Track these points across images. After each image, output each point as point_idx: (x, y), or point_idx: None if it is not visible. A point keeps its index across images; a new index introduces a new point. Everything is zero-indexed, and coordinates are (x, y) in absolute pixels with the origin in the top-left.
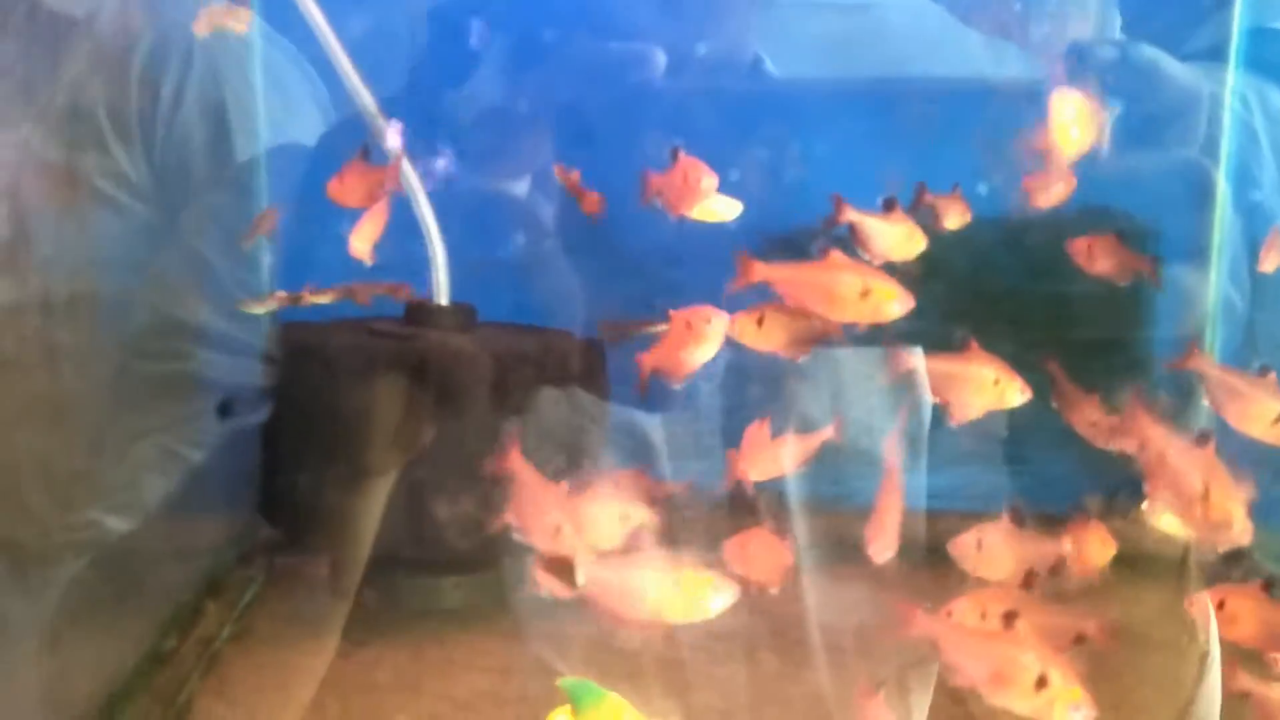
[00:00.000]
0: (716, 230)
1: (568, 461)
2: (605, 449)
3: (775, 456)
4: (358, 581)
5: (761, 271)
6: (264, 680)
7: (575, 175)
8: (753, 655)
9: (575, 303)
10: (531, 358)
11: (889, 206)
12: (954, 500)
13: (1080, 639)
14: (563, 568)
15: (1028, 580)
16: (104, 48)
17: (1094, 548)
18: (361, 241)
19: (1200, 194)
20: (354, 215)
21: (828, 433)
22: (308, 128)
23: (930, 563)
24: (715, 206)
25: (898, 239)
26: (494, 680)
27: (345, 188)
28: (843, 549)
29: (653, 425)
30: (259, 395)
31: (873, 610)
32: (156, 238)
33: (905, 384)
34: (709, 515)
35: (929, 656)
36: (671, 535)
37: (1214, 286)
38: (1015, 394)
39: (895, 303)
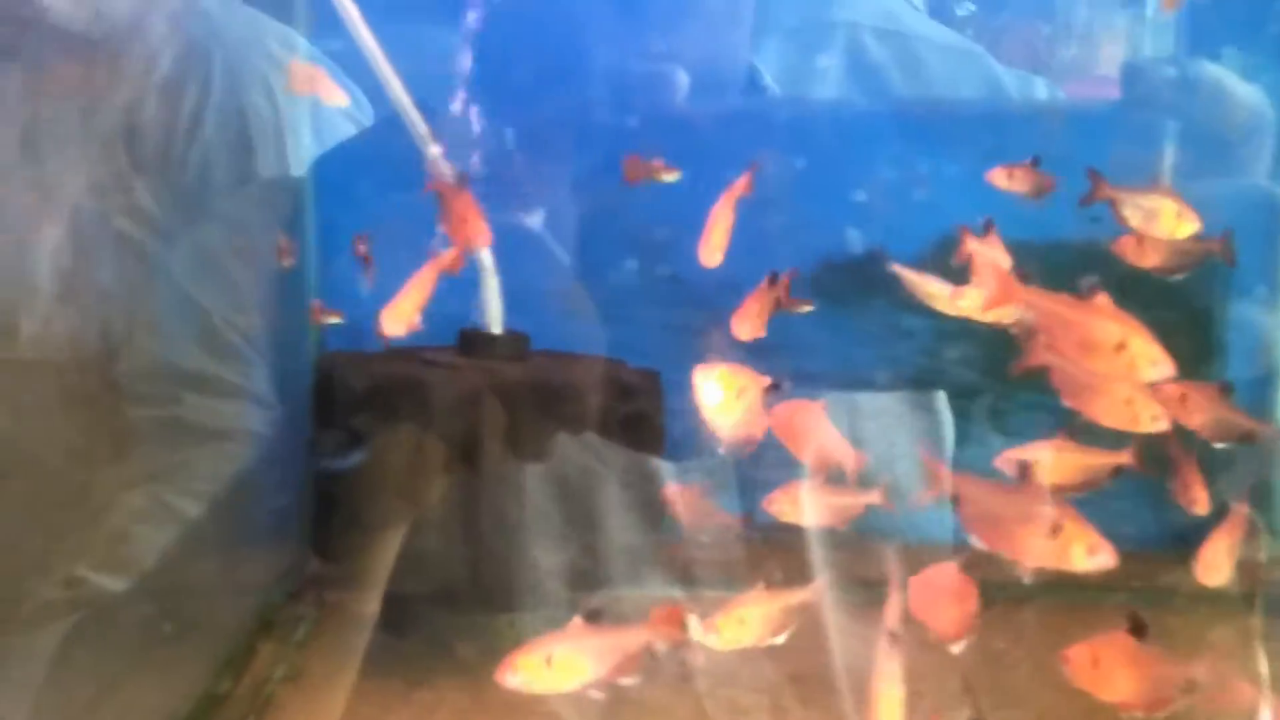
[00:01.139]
0: (769, 255)
1: (625, 490)
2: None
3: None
4: (413, 619)
5: (1021, 294)
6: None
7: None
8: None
9: (629, 330)
10: (587, 387)
11: (987, 229)
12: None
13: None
14: (675, 617)
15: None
16: (119, 71)
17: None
18: (394, 323)
19: (1271, 222)
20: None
21: (875, 498)
22: (349, 154)
23: None
24: None
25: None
26: None
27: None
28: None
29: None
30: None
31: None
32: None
33: (927, 423)
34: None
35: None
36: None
37: None
38: (1149, 366)
39: (1153, 366)
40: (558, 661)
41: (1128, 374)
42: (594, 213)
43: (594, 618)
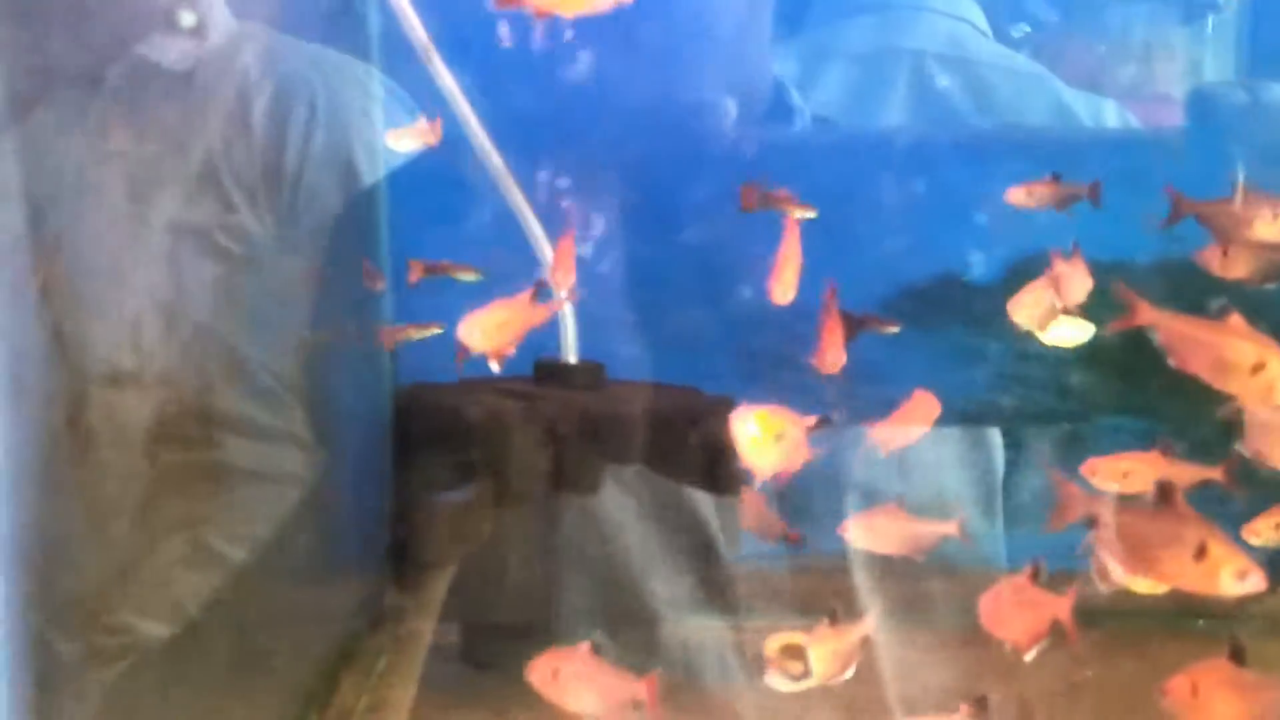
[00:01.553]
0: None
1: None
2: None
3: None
4: (492, 650)
5: (1149, 315)
6: None
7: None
8: None
9: (703, 358)
10: (663, 416)
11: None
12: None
13: None
14: (796, 650)
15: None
16: (228, 106)
17: None
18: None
19: None
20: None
21: (951, 529)
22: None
23: None
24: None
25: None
26: None
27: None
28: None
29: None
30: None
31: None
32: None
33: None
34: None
35: None
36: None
37: None
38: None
39: None
40: None
41: (1265, 396)
42: (664, 240)
43: None
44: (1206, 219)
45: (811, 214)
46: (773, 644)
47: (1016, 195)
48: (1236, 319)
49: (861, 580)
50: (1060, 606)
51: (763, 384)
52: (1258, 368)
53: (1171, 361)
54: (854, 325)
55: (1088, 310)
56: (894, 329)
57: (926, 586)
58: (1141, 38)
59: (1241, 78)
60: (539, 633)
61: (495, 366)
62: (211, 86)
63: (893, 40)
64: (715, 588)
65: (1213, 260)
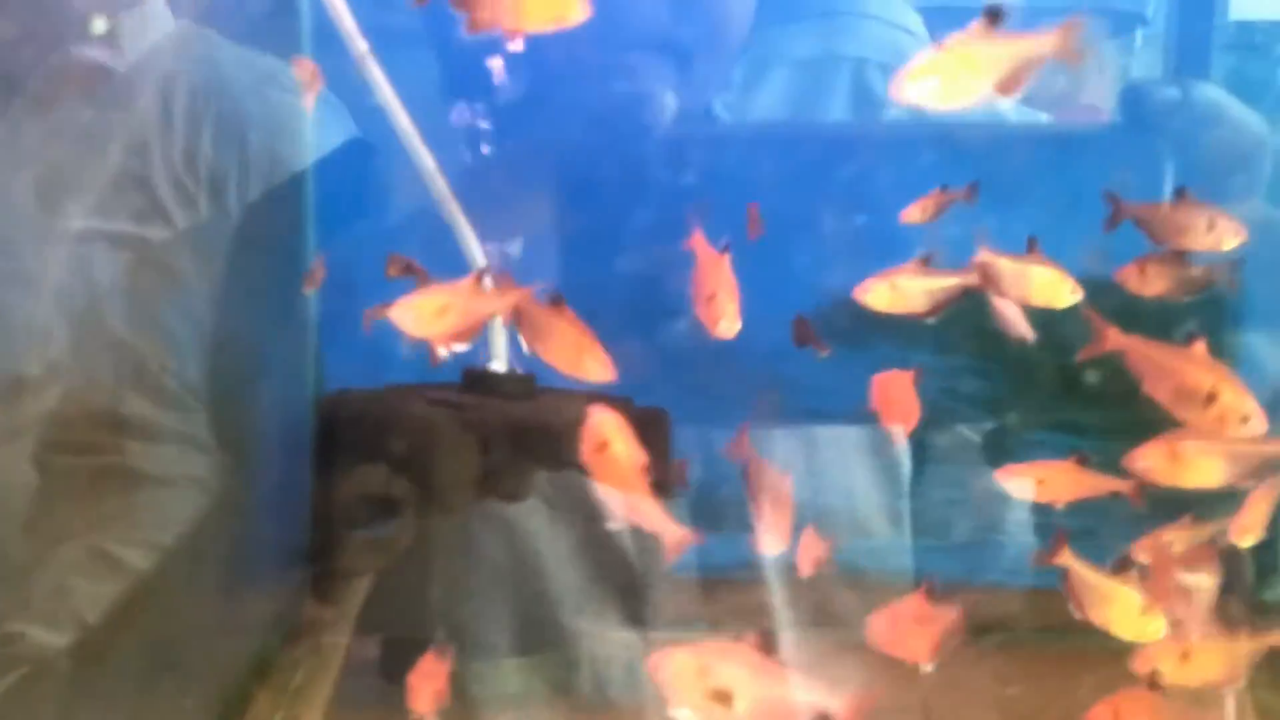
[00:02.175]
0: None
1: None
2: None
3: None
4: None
5: (1117, 340)
6: None
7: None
8: None
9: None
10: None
11: (1030, 248)
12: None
13: None
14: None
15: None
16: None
17: None
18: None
19: (1273, 250)
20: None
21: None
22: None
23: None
24: None
25: (1039, 284)
26: None
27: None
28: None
29: None
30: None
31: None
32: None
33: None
34: None
35: None
36: None
37: None
38: (1239, 421)
39: (1244, 420)
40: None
41: (1216, 428)
42: (598, 251)
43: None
44: (1143, 223)
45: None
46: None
47: (911, 214)
48: (1199, 347)
49: (774, 590)
50: (949, 620)
51: (695, 395)
52: (1210, 399)
53: (1145, 389)
54: (802, 330)
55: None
56: (825, 352)
57: (835, 596)
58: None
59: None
60: (464, 646)
61: (444, 352)
62: (135, 91)
63: (834, 47)
64: (642, 600)
65: (1130, 277)
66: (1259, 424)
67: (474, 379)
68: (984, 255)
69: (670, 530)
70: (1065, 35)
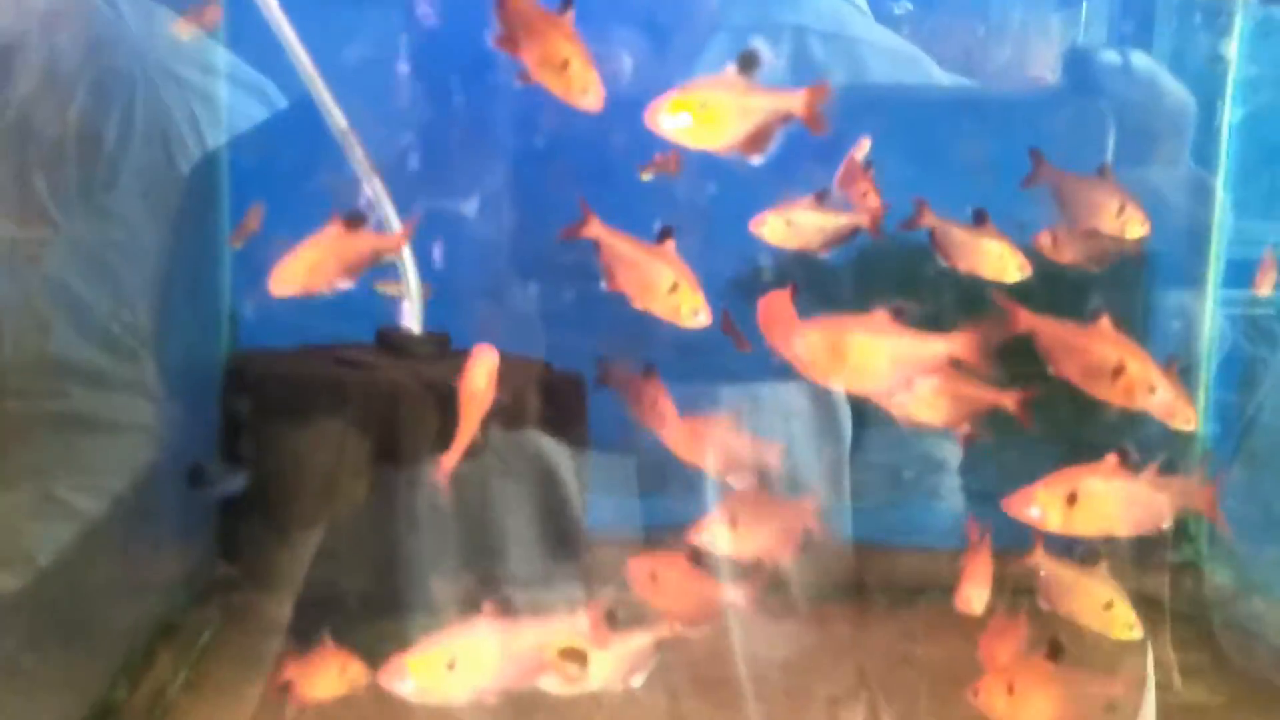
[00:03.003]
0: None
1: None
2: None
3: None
4: (324, 625)
5: (1028, 320)
6: None
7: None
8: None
9: (555, 331)
10: (509, 390)
11: (979, 219)
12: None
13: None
14: (578, 654)
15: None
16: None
17: None
18: (281, 283)
19: (1196, 214)
20: None
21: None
22: (270, 155)
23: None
24: None
25: (987, 256)
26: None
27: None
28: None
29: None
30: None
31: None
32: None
33: (826, 415)
34: None
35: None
36: None
37: (1209, 314)
38: (1145, 392)
39: (1152, 391)
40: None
41: (1126, 399)
42: (524, 211)
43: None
44: (1059, 192)
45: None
46: (555, 646)
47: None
48: (1105, 323)
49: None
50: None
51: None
52: (1117, 372)
53: (1051, 369)
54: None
55: None
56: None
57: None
58: (1019, 20)
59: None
60: (373, 605)
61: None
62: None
63: (775, 15)
64: (556, 559)
65: (1044, 245)
66: (1165, 394)
67: (387, 339)
68: (935, 221)
69: None
70: (811, 99)
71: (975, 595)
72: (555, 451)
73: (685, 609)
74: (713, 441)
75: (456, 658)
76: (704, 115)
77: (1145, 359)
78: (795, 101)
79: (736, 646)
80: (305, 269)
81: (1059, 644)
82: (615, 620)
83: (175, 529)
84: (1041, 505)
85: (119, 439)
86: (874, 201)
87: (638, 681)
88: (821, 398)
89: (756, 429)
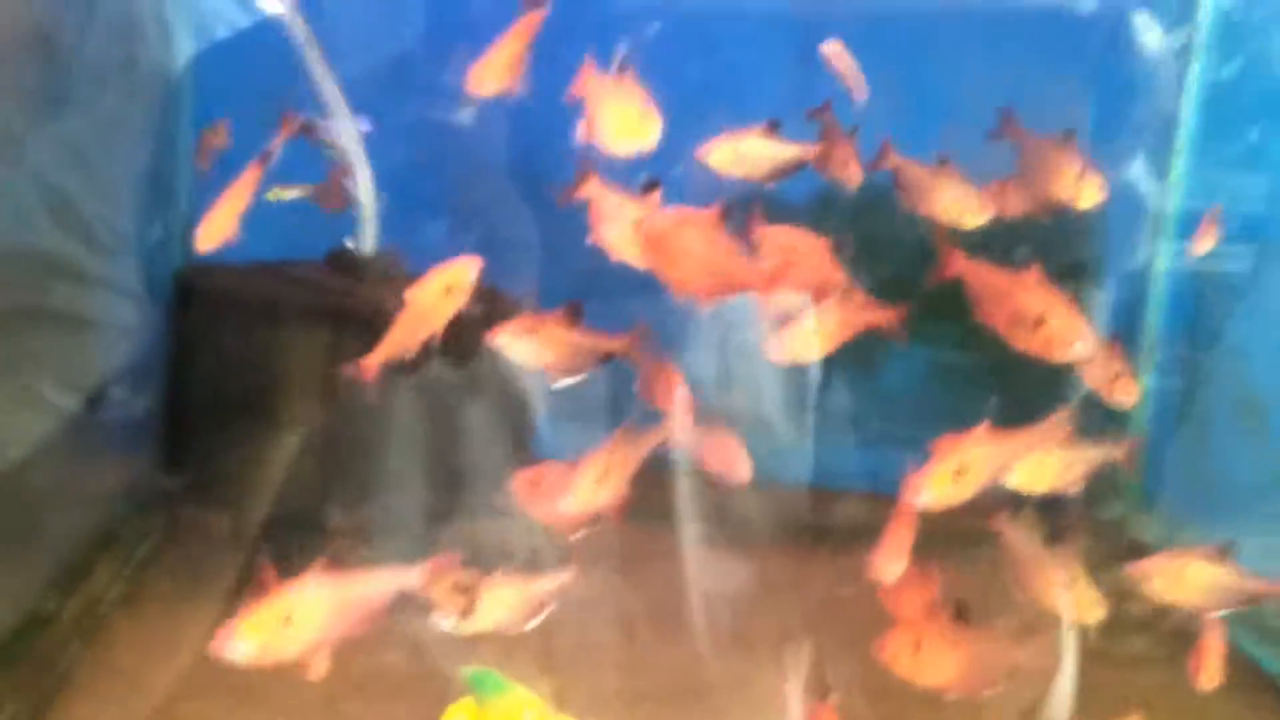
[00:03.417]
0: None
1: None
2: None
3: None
4: (265, 538)
5: (960, 265)
6: (152, 648)
7: None
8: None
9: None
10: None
11: (942, 162)
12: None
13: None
14: (464, 592)
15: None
16: None
17: None
18: (207, 239)
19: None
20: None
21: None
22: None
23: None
24: None
25: (945, 199)
26: (406, 653)
27: None
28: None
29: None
30: (143, 377)
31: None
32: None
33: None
34: None
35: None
36: None
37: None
38: (1065, 345)
39: (1071, 345)
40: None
41: (1045, 350)
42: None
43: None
44: (1022, 150)
45: None
46: (442, 582)
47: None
48: (1035, 271)
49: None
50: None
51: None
52: (1038, 323)
53: (977, 315)
54: None
55: None
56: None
57: (739, 498)
58: None
59: None
60: (312, 523)
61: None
62: None
63: None
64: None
65: (993, 195)
66: (1086, 348)
67: (336, 260)
68: (899, 161)
69: None
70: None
71: (888, 568)
72: (504, 376)
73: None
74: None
75: (292, 613)
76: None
77: (1072, 313)
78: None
79: (691, 585)
80: (228, 222)
81: (965, 605)
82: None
83: (121, 436)
84: (934, 483)
85: (97, 336)
86: (854, 169)
87: (531, 625)
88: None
89: (726, 373)
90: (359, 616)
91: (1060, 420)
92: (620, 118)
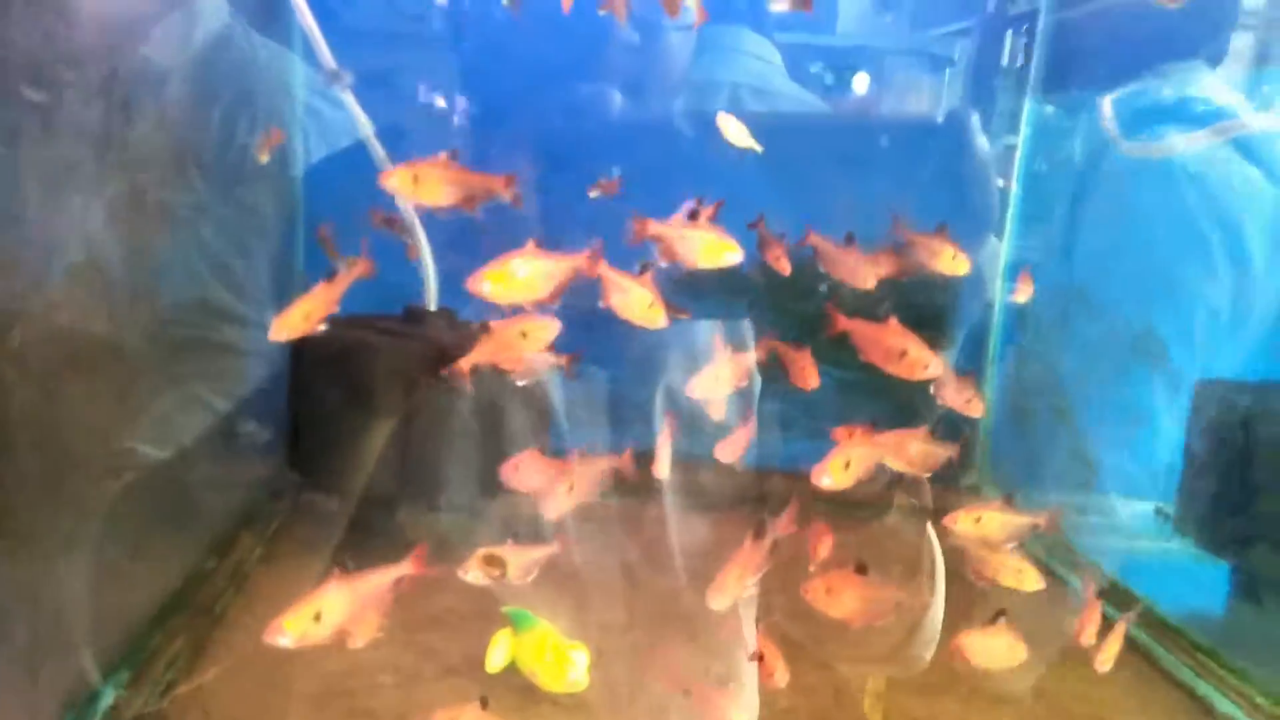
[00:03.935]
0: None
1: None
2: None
3: None
4: (362, 516)
5: (845, 324)
6: (284, 595)
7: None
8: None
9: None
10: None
11: (693, 216)
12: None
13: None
14: (497, 560)
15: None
16: (180, 96)
17: None
18: (280, 329)
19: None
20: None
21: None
22: (336, 151)
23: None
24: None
25: (702, 247)
26: (462, 598)
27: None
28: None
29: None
30: (274, 395)
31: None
32: (197, 248)
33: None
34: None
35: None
36: None
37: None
38: (922, 368)
39: (925, 367)
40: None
41: (911, 373)
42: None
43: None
44: (909, 242)
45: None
46: (477, 553)
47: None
48: (893, 321)
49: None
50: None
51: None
52: (902, 354)
53: (861, 356)
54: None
55: None
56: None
57: (700, 476)
58: (902, 79)
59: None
60: (396, 504)
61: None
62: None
63: (717, 74)
64: None
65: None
66: (936, 368)
67: (411, 314)
68: (817, 240)
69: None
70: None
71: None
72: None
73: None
74: None
75: (321, 610)
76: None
77: (922, 346)
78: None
79: (672, 537)
80: (301, 319)
81: (863, 564)
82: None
83: (258, 442)
84: (831, 471)
85: (246, 360)
86: (785, 263)
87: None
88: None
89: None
90: (372, 606)
91: (921, 428)
92: (637, 307)
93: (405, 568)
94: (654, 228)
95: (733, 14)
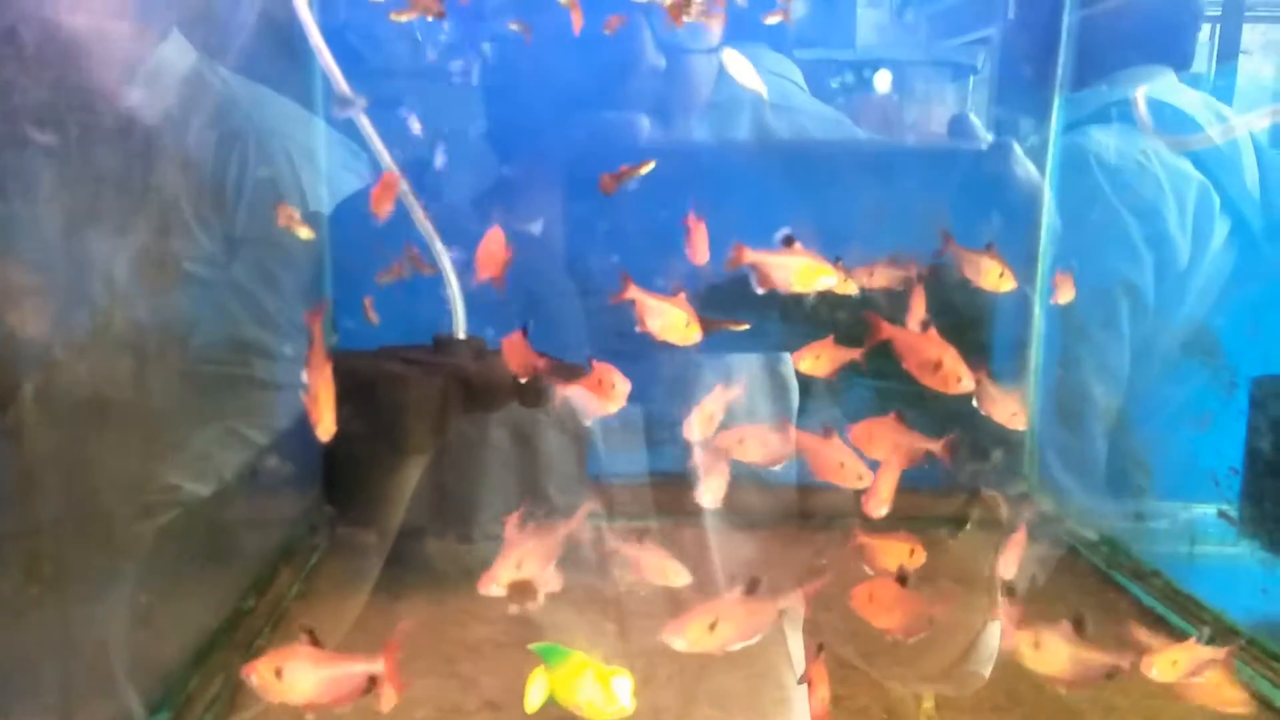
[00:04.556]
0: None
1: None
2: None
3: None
4: (397, 548)
5: (889, 331)
6: (322, 631)
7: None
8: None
9: (576, 333)
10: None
11: (788, 243)
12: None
13: None
14: (525, 592)
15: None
16: (183, 149)
17: None
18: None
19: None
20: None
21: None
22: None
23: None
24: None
25: (798, 271)
26: (498, 630)
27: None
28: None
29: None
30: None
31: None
32: (224, 287)
33: (780, 383)
34: None
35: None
36: None
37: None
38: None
39: (959, 381)
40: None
41: (944, 385)
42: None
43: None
44: (958, 258)
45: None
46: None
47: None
48: (933, 332)
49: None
50: None
51: (604, 355)
52: (937, 366)
53: (903, 365)
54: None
55: None
56: (744, 326)
57: (743, 494)
58: (923, 90)
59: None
60: (431, 535)
61: None
62: (167, 128)
63: (739, 92)
64: (570, 495)
65: (862, 276)
66: (969, 383)
67: (441, 343)
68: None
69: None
70: None
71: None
72: (569, 415)
73: None
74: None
75: (283, 669)
76: None
77: (957, 360)
78: None
79: (713, 549)
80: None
81: (906, 574)
82: None
83: (294, 476)
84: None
85: (280, 396)
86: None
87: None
88: (772, 369)
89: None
90: (339, 690)
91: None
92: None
93: (376, 665)
94: (750, 255)
95: (750, 32)
